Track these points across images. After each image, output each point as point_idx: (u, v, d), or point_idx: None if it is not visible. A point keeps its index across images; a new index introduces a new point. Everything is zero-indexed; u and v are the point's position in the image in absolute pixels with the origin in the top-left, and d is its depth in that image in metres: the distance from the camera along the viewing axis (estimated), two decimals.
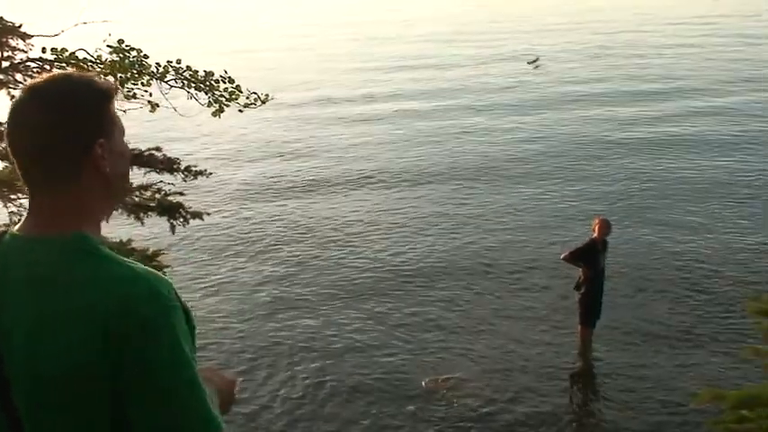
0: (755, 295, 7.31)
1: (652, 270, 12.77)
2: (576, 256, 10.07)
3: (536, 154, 20.36)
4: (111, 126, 1.67)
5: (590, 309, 10.20)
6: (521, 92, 29.02)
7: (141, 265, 1.60)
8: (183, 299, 1.59)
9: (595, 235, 10.06)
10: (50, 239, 1.59)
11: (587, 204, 15.93)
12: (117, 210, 7.39)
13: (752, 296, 7.51)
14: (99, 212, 1.69)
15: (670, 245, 13.82)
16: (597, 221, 10.20)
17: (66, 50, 7.85)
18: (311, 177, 19.10)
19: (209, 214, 10.55)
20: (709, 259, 13.10)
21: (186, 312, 1.59)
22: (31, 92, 1.64)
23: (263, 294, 12.47)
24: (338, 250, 14.18)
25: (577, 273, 10.31)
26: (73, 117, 1.61)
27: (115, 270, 1.55)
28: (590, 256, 9.96)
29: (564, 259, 10.27)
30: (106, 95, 1.68)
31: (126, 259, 1.59)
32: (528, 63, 35.81)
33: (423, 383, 9.68)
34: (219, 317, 11.66)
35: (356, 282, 12.78)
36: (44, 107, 1.60)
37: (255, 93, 9.12)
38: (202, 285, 12.85)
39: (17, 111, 1.63)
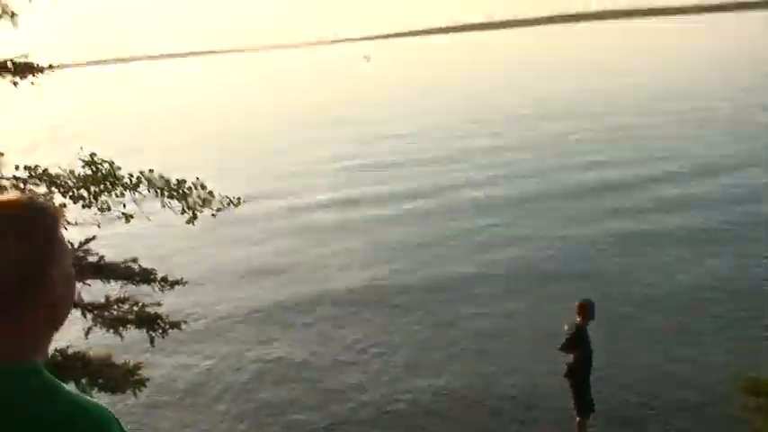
0: (749, 377, 7.27)
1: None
2: (572, 345, 10.20)
3: (496, 262, 19.59)
4: (60, 251, 1.67)
5: (583, 397, 10.31)
6: (477, 191, 28.50)
7: (88, 399, 1.61)
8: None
9: (579, 319, 10.11)
10: (3, 369, 1.57)
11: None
12: (96, 325, 7.25)
13: (745, 377, 7.47)
14: (48, 336, 1.70)
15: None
16: (581, 305, 10.23)
17: (39, 167, 7.84)
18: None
19: (186, 323, 10.37)
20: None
21: None
22: None
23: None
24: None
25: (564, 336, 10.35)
26: (27, 246, 1.59)
27: (64, 405, 1.56)
28: (580, 341, 10.14)
29: (561, 350, 10.31)
30: (56, 220, 1.68)
31: (73, 391, 1.60)
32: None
33: None
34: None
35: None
36: None
37: (228, 197, 9.13)
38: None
39: None
